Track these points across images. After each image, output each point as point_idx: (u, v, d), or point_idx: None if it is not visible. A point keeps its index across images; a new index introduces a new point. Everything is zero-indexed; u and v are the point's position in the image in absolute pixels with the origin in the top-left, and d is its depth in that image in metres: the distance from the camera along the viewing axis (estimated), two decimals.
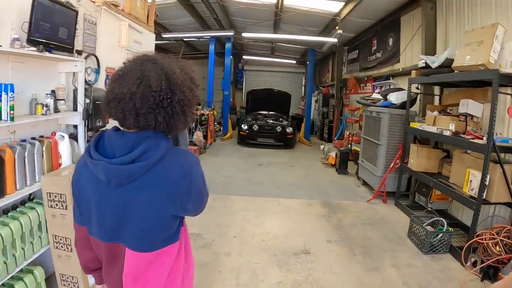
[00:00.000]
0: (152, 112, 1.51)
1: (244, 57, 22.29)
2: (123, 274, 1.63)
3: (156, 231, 1.58)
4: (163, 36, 14.73)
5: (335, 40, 11.58)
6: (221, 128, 17.28)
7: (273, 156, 12.73)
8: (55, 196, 3.44)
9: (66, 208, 3.47)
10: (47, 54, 3.64)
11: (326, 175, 10.01)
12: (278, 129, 14.23)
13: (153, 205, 1.53)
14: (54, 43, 3.81)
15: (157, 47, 19.99)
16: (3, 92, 3.11)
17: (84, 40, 4.83)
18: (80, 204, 1.74)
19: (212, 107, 15.41)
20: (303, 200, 7.49)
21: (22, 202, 3.65)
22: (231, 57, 17.19)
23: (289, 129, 14.23)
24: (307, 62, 17.20)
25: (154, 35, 7.56)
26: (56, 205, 3.49)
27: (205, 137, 13.42)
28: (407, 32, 9.39)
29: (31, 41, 3.44)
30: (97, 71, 5.29)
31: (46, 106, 3.78)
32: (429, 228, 5.26)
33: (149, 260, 1.60)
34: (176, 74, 1.58)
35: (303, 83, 23.22)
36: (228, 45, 16.69)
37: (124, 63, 1.68)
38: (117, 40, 5.90)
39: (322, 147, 12.62)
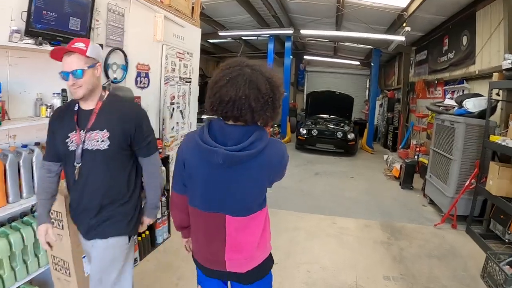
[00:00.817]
0: (262, 109, 1.93)
1: (305, 57, 21.51)
2: (226, 236, 2.08)
3: (252, 200, 2.07)
4: (220, 34, 14.35)
5: (403, 38, 10.66)
6: (279, 131, 16.64)
7: (332, 164, 11.97)
8: (51, 213, 2.93)
9: (62, 228, 3.01)
10: (47, 47, 3.14)
11: (389, 190, 9.10)
12: (339, 135, 13.38)
13: (254, 181, 2.01)
14: (62, 35, 3.34)
15: (216, 45, 19.97)
16: None
17: (107, 32, 4.39)
18: (186, 179, 2.15)
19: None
20: (361, 220, 6.67)
21: (22, 215, 3.25)
22: (291, 57, 16.52)
23: (351, 135, 13.35)
24: (372, 64, 16.08)
25: (200, 30, 7.07)
26: (52, 223, 2.97)
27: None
28: (485, 29, 8.26)
29: (30, 33, 3.00)
30: (125, 68, 4.84)
31: (51, 107, 3.32)
32: (507, 269, 4.24)
33: (246, 223, 2.08)
34: (273, 78, 2.00)
35: (367, 86, 22.03)
36: (287, 44, 16.02)
37: (221, 69, 2.01)
38: (152, 34, 5.45)
39: (385, 157, 11.67)
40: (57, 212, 2.98)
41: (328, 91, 16.76)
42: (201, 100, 15.11)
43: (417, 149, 10.92)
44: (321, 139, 13.46)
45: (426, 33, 12.16)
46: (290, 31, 13.76)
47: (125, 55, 4.81)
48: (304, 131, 13.63)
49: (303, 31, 12.93)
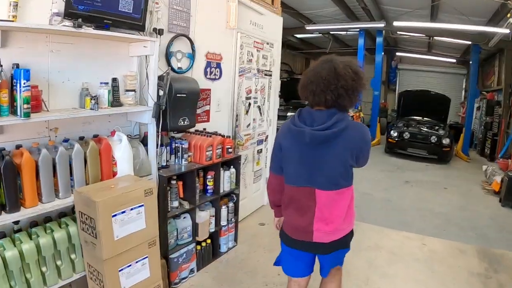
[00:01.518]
0: (322, 93, 2.34)
1: (397, 54, 20.40)
2: (316, 208, 2.45)
3: (339, 176, 2.42)
4: (307, 28, 13.92)
5: (507, 31, 9.53)
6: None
7: (423, 171, 11.11)
8: (86, 219, 2.74)
9: (95, 237, 2.74)
10: (91, 30, 2.88)
11: (487, 207, 8.13)
12: (433, 139, 12.37)
13: (339, 158, 2.37)
14: (111, 17, 3.06)
15: (303, 41, 19.50)
16: (18, 81, 2.42)
17: (170, 17, 4.11)
18: (283, 160, 2.57)
19: (359, 108, 14.06)
20: (453, 243, 5.89)
21: (61, 215, 3.05)
22: (383, 53, 15.63)
23: (446, 140, 12.30)
24: (470, 62, 14.72)
25: (281, 18, 6.70)
26: (87, 229, 2.78)
27: None
28: None
29: (70, 15, 2.73)
30: (191, 57, 4.53)
31: (95, 99, 3.04)
32: None
33: (334, 196, 2.44)
34: (339, 68, 2.33)
35: (463, 86, 20.53)
36: (379, 40, 15.19)
37: (315, 63, 2.54)
38: (225, 20, 5.12)
39: (484, 168, 10.56)
40: (90, 218, 2.74)
41: (423, 91, 15.58)
42: (287, 97, 14.91)
43: None
44: (413, 143, 12.57)
45: None
46: (381, 25, 12.95)
47: (191, 42, 4.51)
48: (395, 134, 12.83)
49: (395, 23, 12.06)
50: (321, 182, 2.41)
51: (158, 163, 3.84)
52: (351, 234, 2.67)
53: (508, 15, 8.68)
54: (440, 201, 8.26)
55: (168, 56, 4.20)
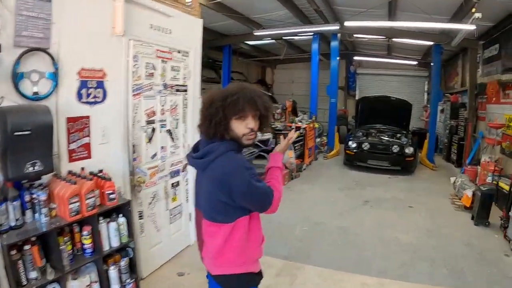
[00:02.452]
0: (199, 120, 2.32)
1: (355, 58, 19.54)
2: (202, 232, 2.44)
3: (211, 208, 2.27)
4: (255, 34, 12.72)
5: (472, 27, 8.50)
6: (326, 142, 14.76)
7: (385, 186, 9.98)
8: None
9: None
10: None
11: (459, 228, 6.98)
12: (395, 149, 11.29)
13: (209, 190, 2.22)
14: None
15: (257, 48, 18.29)
16: None
17: (17, 27, 2.94)
18: None
19: (313, 119, 12.87)
20: (423, 287, 4.68)
21: None
22: (338, 58, 14.48)
23: (409, 150, 11.23)
24: (431, 64, 13.81)
25: (201, 20, 5.37)
26: None
27: (301, 156, 11.08)
28: None
29: None
30: (52, 77, 3.28)
31: None
32: None
33: (210, 227, 2.32)
34: (210, 96, 2.28)
35: (426, 89, 19.82)
36: (334, 43, 14.08)
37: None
38: (111, 25, 3.87)
39: (453, 180, 9.45)
40: None
41: (382, 97, 14.46)
42: None
43: (492, 168, 8.75)
44: (373, 154, 11.46)
45: (497, 22, 9.92)
46: (335, 27, 11.91)
47: (52, 58, 3.22)
48: (354, 145, 11.69)
49: (347, 23, 11.00)
50: (203, 210, 2.36)
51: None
52: (241, 279, 2.39)
53: (473, 9, 7.66)
54: (405, 225, 7.05)
55: (15, 78, 2.95)
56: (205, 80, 17.48)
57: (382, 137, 12.06)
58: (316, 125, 12.91)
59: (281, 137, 10.22)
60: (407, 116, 13.44)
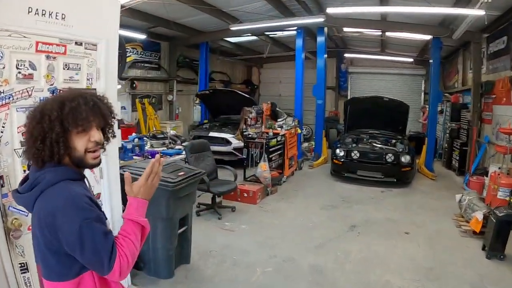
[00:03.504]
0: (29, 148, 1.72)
1: (346, 55, 18.07)
2: None
3: (44, 260, 1.70)
4: (232, 28, 11.26)
5: (481, 12, 7.06)
6: (314, 148, 13.27)
7: (377, 203, 8.45)
8: None
9: None
10: None
11: (468, 263, 5.46)
12: (389, 158, 9.75)
13: (37, 236, 1.67)
14: None
15: (239, 46, 16.89)
16: None
17: None
18: None
19: (294, 123, 11.32)
20: None
21: None
22: (325, 56, 12.92)
23: (406, 158, 9.70)
24: (430, 60, 12.24)
25: (117, 2, 3.90)
26: None
27: (280, 167, 9.58)
28: None
29: None
30: None
31: None
32: None
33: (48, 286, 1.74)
34: (28, 112, 1.77)
35: (423, 89, 18.39)
36: (320, 39, 12.55)
37: None
38: None
39: (458, 197, 7.80)
40: None
41: (374, 98, 12.65)
42: (214, 112, 12.19)
43: (504, 181, 7.23)
44: (364, 164, 9.93)
45: (505, 11, 8.53)
46: (320, 19, 10.47)
47: None
48: (341, 153, 10.15)
49: (332, 10, 9.65)
50: (40, 264, 1.78)
51: None
52: None
53: None
54: (400, 262, 5.47)
55: None
56: (181, 81, 16.21)
57: (374, 144, 10.53)
58: (299, 131, 11.34)
59: (252, 146, 8.80)
60: (403, 119, 11.82)
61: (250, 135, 9.11)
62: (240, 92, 12.01)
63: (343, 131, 12.85)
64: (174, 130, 13.80)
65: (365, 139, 11.04)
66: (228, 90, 12.47)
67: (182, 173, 4.70)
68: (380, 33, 13.24)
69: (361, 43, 16.26)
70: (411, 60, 16.71)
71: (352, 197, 8.82)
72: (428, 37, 11.94)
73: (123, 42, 7.01)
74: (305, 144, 14.26)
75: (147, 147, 8.49)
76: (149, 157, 7.44)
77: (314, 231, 6.57)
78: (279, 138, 9.40)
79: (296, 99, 12.60)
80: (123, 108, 13.42)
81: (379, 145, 10.37)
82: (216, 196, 7.34)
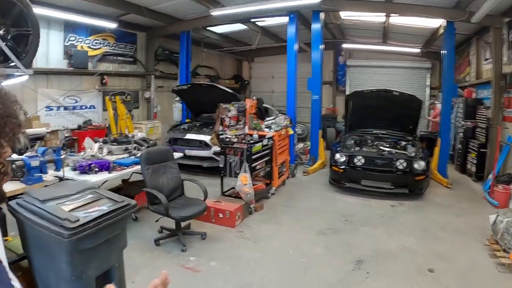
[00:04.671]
0: None
1: (344, 46, 16.33)
2: None
3: None
4: (212, 13, 9.75)
5: None
6: (309, 150, 11.60)
7: (388, 223, 6.73)
8: None
9: None
10: None
11: None
12: (401, 164, 8.04)
13: None
14: None
15: (227, 37, 15.28)
16: None
17: None
18: None
19: (286, 122, 9.55)
20: None
21: None
22: (322, 46, 11.18)
23: (419, 165, 7.99)
24: (443, 51, 10.38)
25: None
26: None
27: (268, 176, 7.91)
28: None
29: None
30: None
31: None
32: None
33: None
34: None
35: (428, 83, 16.71)
36: (315, 26, 10.84)
37: None
38: None
39: (492, 218, 5.92)
40: None
41: (382, 91, 10.13)
42: (195, 110, 10.53)
43: None
44: (370, 173, 8.19)
45: None
46: (315, 1, 8.87)
47: None
48: (342, 158, 8.42)
49: None
50: None
51: None
52: None
53: None
54: None
55: None
56: (160, 76, 14.35)
57: (381, 147, 8.76)
58: (291, 132, 9.55)
59: (231, 152, 7.05)
60: (415, 117, 9.94)
61: (228, 139, 7.33)
62: (221, 87, 10.26)
63: (343, 130, 11.05)
64: (151, 131, 12.18)
65: (370, 141, 9.31)
66: (208, 85, 10.70)
67: (94, 208, 2.99)
68: (384, 18, 11.55)
69: (361, 32, 14.59)
70: (417, 50, 14.99)
71: (356, 215, 7.10)
72: (436, 25, 10.76)
73: (34, 18, 5.34)
74: (300, 145, 12.53)
75: (103, 154, 6.89)
76: (96, 170, 5.80)
77: (308, 272, 4.85)
78: (265, 142, 7.58)
79: (289, 95, 10.95)
80: (92, 107, 11.81)
81: (388, 149, 8.59)
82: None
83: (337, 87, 17.89)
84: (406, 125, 9.97)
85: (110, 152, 7.40)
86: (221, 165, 7.00)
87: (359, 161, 8.23)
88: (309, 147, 11.77)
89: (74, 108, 11.36)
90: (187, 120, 12.37)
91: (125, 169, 6.18)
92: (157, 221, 5.45)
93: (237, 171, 6.77)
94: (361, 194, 8.25)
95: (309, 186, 9.15)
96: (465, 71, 13.24)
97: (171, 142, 10.49)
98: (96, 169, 5.87)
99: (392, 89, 9.71)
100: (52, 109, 10.74)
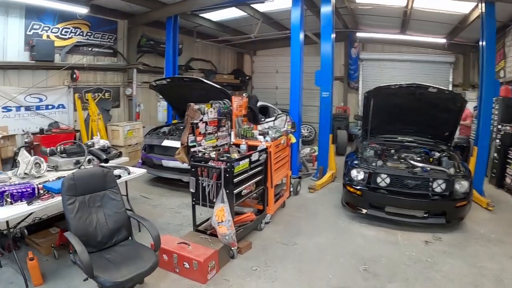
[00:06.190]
0: None
1: (358, 35, 14.32)
2: None
3: None
4: None
5: None
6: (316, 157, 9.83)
7: (426, 278, 4.66)
8: None
9: None
10: None
11: None
12: (438, 186, 6.00)
13: None
14: None
15: (222, 25, 13.98)
16: None
17: None
18: None
19: (288, 126, 7.52)
20: None
21: None
22: (333, 36, 9.17)
23: (462, 186, 5.97)
24: (482, 42, 7.99)
25: None
26: None
27: (260, 199, 6.01)
28: None
29: None
30: None
31: None
32: None
33: None
34: None
35: (450, 79, 14.89)
36: (325, 9, 8.91)
37: None
38: None
39: None
40: None
41: (412, 87, 7.38)
42: (179, 109, 9.58)
43: None
44: (397, 197, 6.10)
45: None
46: None
47: None
48: (361, 176, 6.40)
49: None
50: None
51: None
52: None
53: None
54: None
55: None
56: (144, 70, 12.14)
57: (412, 161, 6.62)
58: (293, 140, 7.44)
59: (204, 173, 5.04)
60: (453, 121, 7.61)
61: (200, 153, 5.21)
62: (206, 81, 8.21)
63: (359, 135, 8.96)
64: (129, 135, 10.33)
65: (394, 151, 7.27)
66: (191, 79, 8.69)
67: None
68: (406, 1, 9.65)
69: (377, 20, 12.67)
70: (443, 41, 13.00)
71: (380, 259, 5.09)
72: (467, 10, 9.66)
73: None
74: (306, 150, 10.55)
75: (40, 172, 5.15)
76: (9, 200, 4.02)
77: None
78: (255, 157, 5.52)
79: (293, 91, 9.05)
80: (60, 106, 10.05)
81: (420, 164, 6.44)
82: None
83: (348, 83, 16.01)
84: (441, 131, 7.76)
85: (55, 168, 5.61)
86: (191, 190, 5.00)
87: (383, 180, 6.16)
88: (316, 153, 9.82)
89: (38, 108, 9.65)
90: (173, 122, 10.44)
91: (53, 197, 4.30)
92: (85, 280, 3.52)
93: (214, 199, 4.78)
94: (384, 224, 6.26)
95: (317, 209, 7.12)
96: (498, 65, 11.29)
97: (146, 149, 8.62)
98: (10, 199, 4.08)
99: (428, 84, 7.40)
100: (10, 110, 9.06)
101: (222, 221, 4.50)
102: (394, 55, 15.33)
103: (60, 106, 10.07)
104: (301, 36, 8.89)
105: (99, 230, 3.89)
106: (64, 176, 4.07)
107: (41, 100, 9.63)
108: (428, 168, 6.24)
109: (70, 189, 3.83)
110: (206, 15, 12.40)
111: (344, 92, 16.02)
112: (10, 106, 8.93)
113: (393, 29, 13.36)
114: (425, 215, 6.01)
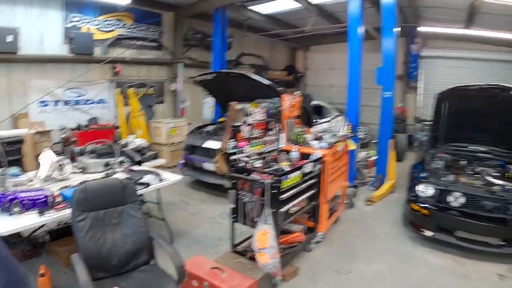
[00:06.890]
0: None
1: (420, 29, 13.14)
2: None
3: None
4: None
5: None
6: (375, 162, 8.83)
7: None
8: None
9: None
10: None
11: None
12: None
13: None
14: None
15: (272, 18, 12.94)
16: None
17: None
18: None
19: (345, 130, 6.62)
20: None
21: None
22: (396, 30, 8.23)
23: None
24: None
25: None
26: None
27: (311, 214, 5.25)
28: None
29: None
30: None
31: None
32: None
33: None
34: None
35: None
36: (387, 1, 7.92)
37: None
38: None
39: None
40: None
41: (495, 88, 6.44)
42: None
43: None
44: (470, 221, 5.10)
45: None
46: None
47: None
48: (430, 192, 5.47)
49: None
50: None
51: None
52: None
53: None
54: None
55: None
56: (191, 64, 11.73)
57: (489, 178, 5.62)
58: (352, 146, 6.50)
59: (245, 187, 4.26)
60: None
61: (243, 163, 4.45)
62: (254, 76, 7.41)
63: (427, 143, 7.79)
64: (172, 132, 9.78)
65: (469, 166, 6.19)
66: (237, 74, 7.95)
67: None
68: None
69: (441, 13, 11.46)
70: None
71: None
72: None
73: None
74: (362, 154, 9.45)
75: (64, 175, 4.66)
76: (17, 210, 3.56)
77: None
78: (307, 169, 4.75)
79: (350, 90, 8.09)
80: (101, 101, 9.65)
81: (499, 181, 5.42)
82: None
83: (407, 82, 14.81)
84: None
85: (82, 170, 5.07)
86: (231, 205, 4.28)
87: (456, 200, 5.19)
88: (372, 158, 8.92)
89: (77, 103, 9.24)
90: (219, 120, 9.77)
91: (68, 207, 3.71)
92: None
93: (255, 219, 4.03)
94: (450, 248, 5.32)
95: (375, 227, 6.22)
96: None
97: (189, 150, 7.99)
98: (18, 208, 3.58)
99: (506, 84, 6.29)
100: (47, 105, 8.66)
101: (264, 247, 3.74)
102: (459, 53, 13.95)
103: (101, 102, 9.69)
104: (360, 29, 7.99)
105: (114, 252, 3.28)
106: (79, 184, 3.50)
107: (80, 94, 9.26)
108: (510, 186, 5.22)
109: (79, 204, 3.24)
110: (256, 8, 11.62)
111: (402, 92, 14.78)
112: (47, 101, 8.56)
113: (457, 23, 12.05)
114: (501, 243, 5.01)
